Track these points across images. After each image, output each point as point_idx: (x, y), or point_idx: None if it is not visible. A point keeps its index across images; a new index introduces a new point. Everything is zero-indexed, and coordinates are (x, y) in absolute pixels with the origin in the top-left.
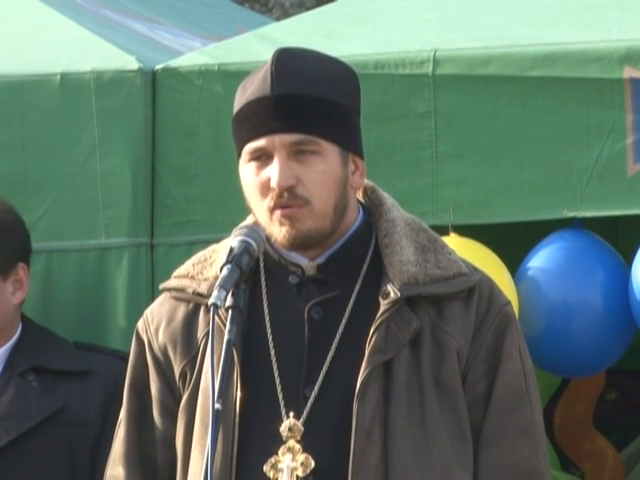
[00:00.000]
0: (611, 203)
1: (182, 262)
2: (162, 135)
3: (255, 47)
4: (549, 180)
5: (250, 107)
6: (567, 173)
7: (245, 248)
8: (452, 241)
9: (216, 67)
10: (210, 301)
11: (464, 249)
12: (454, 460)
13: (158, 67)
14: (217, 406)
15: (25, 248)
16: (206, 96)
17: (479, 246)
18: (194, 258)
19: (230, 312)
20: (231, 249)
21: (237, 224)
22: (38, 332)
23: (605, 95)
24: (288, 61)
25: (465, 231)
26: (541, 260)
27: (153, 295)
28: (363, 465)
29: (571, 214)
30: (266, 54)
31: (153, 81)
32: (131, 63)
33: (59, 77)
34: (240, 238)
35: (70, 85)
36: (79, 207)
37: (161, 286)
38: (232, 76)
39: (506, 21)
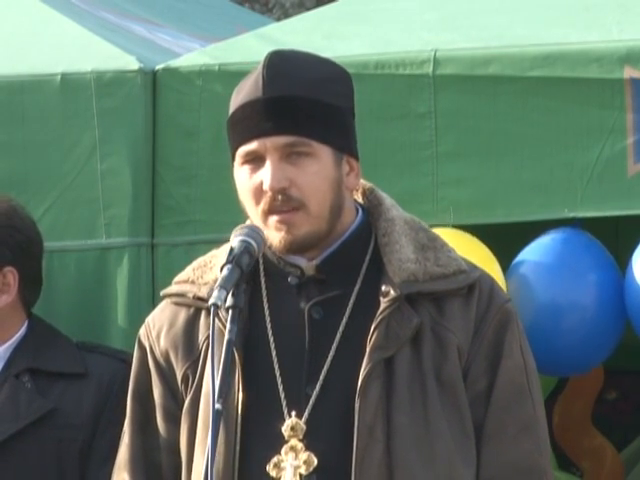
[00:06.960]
0: (611, 203)
1: (182, 262)
2: (162, 135)
3: (255, 47)
4: (549, 180)
5: (242, 110)
6: (567, 173)
7: (245, 248)
8: (441, 232)
9: (216, 67)
10: (210, 301)
11: (455, 241)
12: (457, 456)
13: (158, 67)
14: (217, 406)
15: (18, 253)
16: (206, 96)
17: (470, 238)
18: (194, 263)
19: (230, 312)
20: (231, 249)
21: (237, 224)
22: (43, 332)
23: (605, 95)
24: (280, 63)
25: (465, 231)
26: (531, 258)
27: (154, 295)
28: (367, 461)
29: (571, 214)
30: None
31: (154, 81)
32: (131, 63)
33: (59, 77)
34: (240, 238)
35: (70, 85)
36: (79, 207)
37: (162, 293)
38: (232, 76)
39: (506, 21)
